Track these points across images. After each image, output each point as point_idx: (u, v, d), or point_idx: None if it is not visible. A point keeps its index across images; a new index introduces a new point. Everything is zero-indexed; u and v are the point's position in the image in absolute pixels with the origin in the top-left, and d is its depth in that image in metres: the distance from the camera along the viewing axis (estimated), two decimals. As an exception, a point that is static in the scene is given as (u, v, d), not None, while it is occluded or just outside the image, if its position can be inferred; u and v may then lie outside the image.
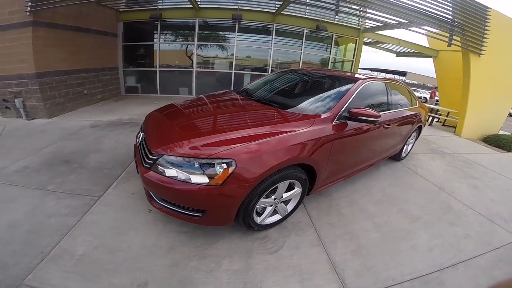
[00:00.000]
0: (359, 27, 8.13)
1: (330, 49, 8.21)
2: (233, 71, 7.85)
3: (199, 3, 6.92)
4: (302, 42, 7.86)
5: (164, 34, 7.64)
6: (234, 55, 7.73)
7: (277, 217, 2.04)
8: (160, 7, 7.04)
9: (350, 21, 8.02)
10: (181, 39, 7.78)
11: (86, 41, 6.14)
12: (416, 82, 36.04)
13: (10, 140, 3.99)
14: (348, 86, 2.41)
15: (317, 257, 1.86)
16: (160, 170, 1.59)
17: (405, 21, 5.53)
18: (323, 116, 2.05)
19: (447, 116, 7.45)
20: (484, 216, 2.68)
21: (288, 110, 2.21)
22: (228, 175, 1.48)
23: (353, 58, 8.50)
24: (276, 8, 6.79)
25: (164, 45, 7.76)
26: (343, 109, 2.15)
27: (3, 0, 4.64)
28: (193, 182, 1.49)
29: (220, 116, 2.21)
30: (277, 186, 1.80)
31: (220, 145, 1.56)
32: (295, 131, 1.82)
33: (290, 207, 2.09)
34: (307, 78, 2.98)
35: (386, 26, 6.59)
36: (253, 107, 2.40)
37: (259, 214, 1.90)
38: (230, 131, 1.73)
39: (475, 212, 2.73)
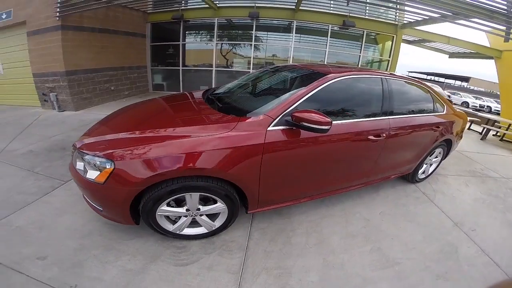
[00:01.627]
0: (396, 23, 6.95)
1: (361, 47, 7.23)
2: (250, 70, 7.59)
3: (216, 3, 6.83)
4: (327, 40, 7.10)
5: (186, 34, 7.80)
6: (252, 54, 7.44)
7: (201, 230, 1.82)
8: (183, 8, 7.18)
9: (384, 16, 6.91)
10: (201, 39, 7.85)
11: (114, 42, 6.64)
12: (482, 90, 29.78)
13: (36, 128, 4.61)
14: (313, 82, 1.84)
15: (224, 286, 1.56)
16: (73, 161, 1.65)
17: (449, 13, 4.46)
18: (251, 119, 1.62)
19: (507, 129, 5.85)
20: (503, 269, 1.86)
21: (221, 113, 1.82)
22: (108, 175, 1.43)
23: (390, 57, 7.33)
24: (295, 3, 6.23)
25: (187, 45, 7.94)
26: (287, 111, 1.65)
27: (41, 7, 5.27)
28: (86, 176, 1.50)
29: (141, 116, 2.09)
30: (184, 196, 1.59)
31: (109, 145, 1.51)
32: (201, 135, 1.50)
33: (218, 222, 1.82)
34: (278, 75, 2.52)
35: (427, 20, 5.44)
36: (187, 108, 2.22)
37: (173, 222, 1.75)
38: (129, 131, 1.63)
39: (490, 261, 1.93)
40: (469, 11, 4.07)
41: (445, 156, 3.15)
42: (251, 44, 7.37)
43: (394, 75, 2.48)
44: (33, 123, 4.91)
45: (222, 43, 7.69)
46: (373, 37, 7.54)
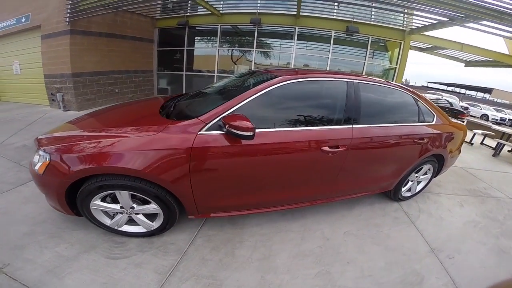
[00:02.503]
0: (404, 28, 6.61)
1: (366, 54, 6.95)
2: (252, 76, 7.56)
3: (220, 9, 6.92)
4: (330, 46, 6.92)
5: (191, 40, 7.97)
6: (253, 60, 7.42)
7: (140, 229, 1.83)
8: (188, 14, 7.36)
9: (391, 21, 6.60)
10: (205, 45, 7.98)
11: (120, 46, 6.93)
12: (507, 102, 27.20)
13: (39, 125, 4.89)
14: (256, 87, 1.73)
15: (146, 284, 1.53)
16: None
17: (457, 16, 4.17)
18: (183, 123, 1.58)
19: (526, 145, 5.28)
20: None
21: (163, 117, 1.85)
22: (45, 167, 1.54)
23: (397, 64, 6.97)
24: (295, 9, 6.14)
25: (191, 50, 8.10)
26: (221, 116, 1.56)
27: (53, 12, 5.63)
28: (33, 167, 1.63)
29: (108, 115, 2.19)
30: (114, 194, 1.63)
31: (55, 140, 1.63)
32: (126, 136, 1.54)
33: (156, 223, 1.80)
34: (238, 81, 2.41)
35: (435, 25, 5.12)
36: (142, 111, 2.23)
37: (111, 217, 1.79)
38: (83, 129, 1.79)
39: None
40: (477, 13, 3.76)
41: (436, 173, 2.79)
42: (252, 51, 7.36)
43: (369, 78, 2.20)
44: (37, 120, 5.20)
45: (224, 49, 7.76)
46: (381, 44, 7.24)
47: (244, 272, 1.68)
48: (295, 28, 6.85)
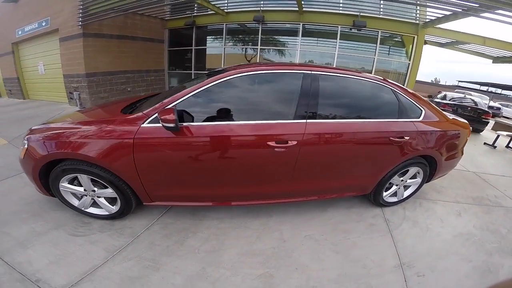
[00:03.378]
0: (417, 22, 6.07)
1: (375, 49, 6.51)
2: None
3: (224, 8, 6.91)
4: (337, 42, 6.59)
5: (198, 40, 8.07)
6: (258, 58, 7.32)
7: (103, 212, 1.97)
8: (195, 14, 7.46)
9: (403, 14, 6.07)
10: (211, 43, 8.03)
11: (131, 47, 7.23)
12: None
13: None
14: (201, 82, 1.77)
15: (92, 259, 1.67)
16: None
17: (474, 5, 3.76)
18: (130, 116, 1.72)
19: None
20: None
21: (123, 112, 1.95)
22: (25, 152, 1.76)
23: (410, 60, 6.44)
24: (296, 4, 5.91)
25: (199, 49, 8.21)
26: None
27: (68, 16, 6.02)
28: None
29: (97, 110, 2.38)
30: (77, 177, 1.80)
31: (38, 130, 1.83)
32: (83, 128, 1.73)
33: (116, 207, 1.91)
34: (203, 77, 2.40)
35: (449, 17, 4.64)
36: (113, 108, 2.27)
37: (79, 199, 1.93)
38: (70, 121, 1.92)
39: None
40: (491, 1, 3.34)
41: (428, 178, 2.45)
42: (257, 48, 7.26)
43: (335, 70, 2.03)
44: (54, 116, 5.64)
45: (229, 48, 7.75)
46: (398, 39, 6.71)
47: (186, 261, 1.68)
48: (299, 24, 6.62)
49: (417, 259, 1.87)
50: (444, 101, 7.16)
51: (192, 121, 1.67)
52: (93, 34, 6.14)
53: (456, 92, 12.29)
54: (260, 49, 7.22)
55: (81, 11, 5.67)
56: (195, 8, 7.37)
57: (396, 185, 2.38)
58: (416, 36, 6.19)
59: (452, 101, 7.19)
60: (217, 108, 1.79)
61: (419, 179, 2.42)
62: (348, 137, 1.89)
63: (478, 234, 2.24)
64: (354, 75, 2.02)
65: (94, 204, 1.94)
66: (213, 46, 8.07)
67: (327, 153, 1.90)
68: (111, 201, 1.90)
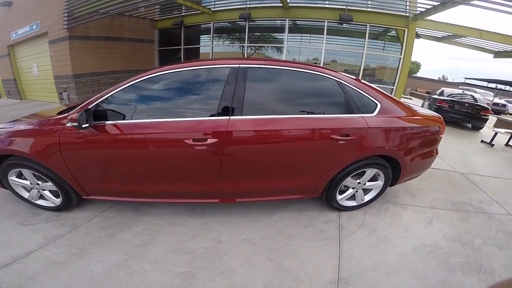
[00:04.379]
0: (407, 14, 5.71)
1: (364, 44, 6.19)
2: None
3: (211, 7, 6.76)
4: (323, 37, 6.31)
5: (186, 39, 7.97)
6: (246, 56, 7.14)
7: (49, 204, 2.03)
8: (183, 14, 7.35)
9: (391, 6, 5.72)
10: (199, 42, 7.91)
11: (119, 48, 7.19)
12: None
13: None
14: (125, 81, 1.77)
15: (30, 244, 1.76)
16: None
17: None
18: (58, 116, 1.78)
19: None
20: None
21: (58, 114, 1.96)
22: None
23: (401, 54, 6.08)
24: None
25: (188, 48, 8.10)
26: (89, 108, 1.64)
27: (55, 20, 6.02)
28: None
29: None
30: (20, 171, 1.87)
31: None
32: (22, 127, 1.83)
33: (59, 200, 1.96)
34: None
35: (437, 7, 4.31)
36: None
37: (28, 192, 1.99)
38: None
39: None
40: None
41: (391, 181, 2.15)
42: (244, 46, 7.07)
43: (268, 62, 1.89)
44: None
45: (217, 46, 7.60)
46: (388, 33, 6.36)
47: (112, 252, 1.70)
48: (285, 20, 6.38)
49: (359, 275, 1.62)
50: (441, 97, 6.77)
51: (123, 119, 1.68)
52: (79, 37, 6.13)
53: (460, 88, 11.66)
54: (248, 46, 7.03)
55: (66, 14, 5.65)
56: (183, 8, 7.25)
57: (353, 188, 2.12)
58: (406, 30, 5.83)
59: (450, 97, 6.78)
60: (138, 106, 1.76)
61: (380, 182, 2.14)
62: (278, 135, 1.71)
63: (446, 246, 1.94)
64: (290, 67, 1.82)
65: (42, 197, 2.01)
66: (201, 45, 7.94)
67: (256, 152, 1.73)
68: (56, 194, 1.95)
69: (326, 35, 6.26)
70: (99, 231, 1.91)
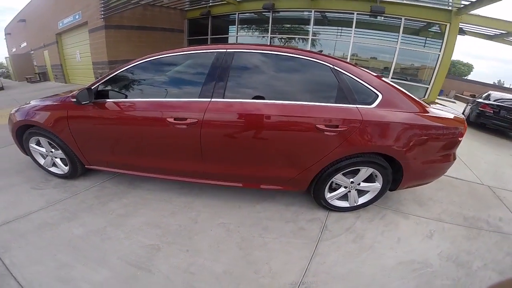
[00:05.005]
0: (449, 8, 5.03)
1: (398, 39, 5.65)
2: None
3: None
4: (352, 30, 5.90)
5: (215, 29, 8.05)
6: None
7: (60, 171, 2.30)
8: (210, 4, 7.42)
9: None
10: (225, 32, 7.94)
11: (151, 37, 7.57)
12: None
13: None
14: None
15: (33, 205, 2.01)
16: None
17: None
18: (70, 94, 2.03)
19: None
20: None
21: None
22: (8, 118, 2.30)
23: (440, 51, 5.43)
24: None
25: (214, 38, 8.19)
26: (93, 87, 1.88)
27: (94, 10, 6.53)
28: None
29: None
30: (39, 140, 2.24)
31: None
32: (45, 102, 2.12)
33: (67, 168, 2.27)
34: None
35: (482, 0, 3.74)
36: None
37: (44, 159, 2.33)
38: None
39: None
40: None
41: (393, 184, 1.95)
42: (267, 37, 6.93)
43: (257, 47, 1.83)
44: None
45: (242, 37, 7.56)
46: (426, 28, 5.71)
47: (96, 219, 1.89)
48: (311, 11, 6.08)
49: (324, 283, 1.51)
50: (486, 101, 5.95)
51: (120, 98, 1.87)
52: (114, 26, 6.58)
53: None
54: (271, 37, 6.88)
55: (102, 5, 6.08)
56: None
57: (345, 187, 1.96)
58: (448, 25, 5.17)
59: (498, 102, 5.93)
60: (132, 88, 1.93)
61: (377, 184, 1.93)
62: (258, 120, 1.68)
63: (437, 265, 1.72)
64: (279, 52, 1.77)
65: (55, 164, 2.30)
66: (226, 35, 7.97)
67: (236, 136, 1.74)
68: (65, 162, 2.22)
69: (355, 28, 5.82)
70: (93, 199, 2.13)
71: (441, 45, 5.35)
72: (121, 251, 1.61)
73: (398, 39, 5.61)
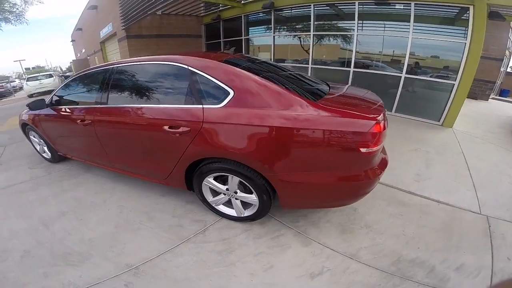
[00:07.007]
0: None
1: (410, 28, 4.71)
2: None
3: (240, 0, 6.68)
4: (355, 23, 5.20)
5: (225, 32, 8.18)
6: (272, 48, 6.76)
7: (48, 156, 3.15)
8: (220, 9, 7.55)
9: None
10: (234, 35, 7.95)
11: (168, 43, 8.23)
12: None
13: None
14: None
15: (16, 180, 2.81)
16: None
17: None
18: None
19: None
20: None
21: None
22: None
23: (465, 39, 4.30)
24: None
25: (226, 41, 8.35)
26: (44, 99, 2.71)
27: (119, 22, 7.36)
28: None
29: None
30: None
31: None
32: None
33: (46, 155, 3.18)
34: None
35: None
36: None
37: (38, 145, 3.26)
38: None
39: None
40: None
41: (272, 199, 1.69)
42: (273, 36, 6.71)
43: (130, 61, 2.06)
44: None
45: (250, 38, 7.49)
46: (441, 12, 4.61)
47: (48, 190, 2.53)
48: (311, 6, 5.60)
49: (152, 276, 1.55)
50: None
51: (63, 105, 2.51)
52: (134, 36, 7.36)
53: None
54: (274, 36, 6.63)
55: (121, 17, 6.81)
56: (220, 5, 7.43)
57: (224, 194, 1.86)
58: (471, 7, 4.07)
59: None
60: (67, 96, 2.54)
61: (254, 197, 1.73)
62: (124, 122, 1.97)
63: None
64: (140, 62, 1.96)
65: (45, 151, 3.08)
66: (236, 37, 7.99)
67: (111, 134, 2.13)
68: (49, 149, 3.00)
69: (358, 20, 5.13)
70: (57, 178, 2.78)
71: (466, 33, 4.25)
72: (43, 213, 2.16)
73: (410, 27, 4.69)
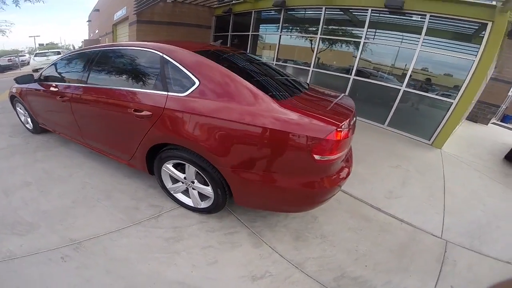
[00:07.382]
0: (493, 2, 3.68)
1: (419, 40, 4.50)
2: (274, 62, 6.84)
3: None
4: (364, 30, 5.02)
5: (235, 26, 8.10)
6: (277, 48, 6.64)
7: (29, 127, 3.30)
8: (233, 2, 7.48)
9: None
10: (242, 30, 7.87)
11: (178, 32, 8.25)
12: None
13: None
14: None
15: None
16: None
17: None
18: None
19: None
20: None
21: None
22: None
23: (477, 56, 4.07)
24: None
25: (234, 35, 8.27)
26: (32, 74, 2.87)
27: (131, 6, 7.41)
28: None
29: None
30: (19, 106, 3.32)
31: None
32: None
33: (29, 126, 3.35)
34: None
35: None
36: None
37: (23, 116, 3.34)
38: None
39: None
40: None
41: (227, 193, 1.65)
42: (281, 35, 6.59)
43: (115, 45, 2.13)
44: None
45: (258, 34, 7.39)
46: (455, 28, 4.39)
47: (21, 160, 2.58)
48: (322, 9, 5.45)
49: (93, 253, 1.53)
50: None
51: (50, 81, 2.56)
52: (145, 21, 7.40)
53: None
54: (281, 35, 6.51)
55: (135, 1, 6.85)
56: (232, -3, 7.38)
57: (182, 183, 1.86)
58: (490, 23, 3.84)
59: None
60: (55, 74, 2.59)
61: (209, 189, 1.71)
62: (94, 101, 2.04)
63: None
64: (119, 46, 2.05)
65: (28, 122, 3.20)
66: (244, 32, 7.91)
67: (85, 111, 2.19)
68: (29, 119, 3.15)
69: (368, 28, 4.95)
70: (33, 148, 2.81)
71: (479, 49, 4.02)
72: (8, 182, 2.18)
73: (420, 39, 4.49)
